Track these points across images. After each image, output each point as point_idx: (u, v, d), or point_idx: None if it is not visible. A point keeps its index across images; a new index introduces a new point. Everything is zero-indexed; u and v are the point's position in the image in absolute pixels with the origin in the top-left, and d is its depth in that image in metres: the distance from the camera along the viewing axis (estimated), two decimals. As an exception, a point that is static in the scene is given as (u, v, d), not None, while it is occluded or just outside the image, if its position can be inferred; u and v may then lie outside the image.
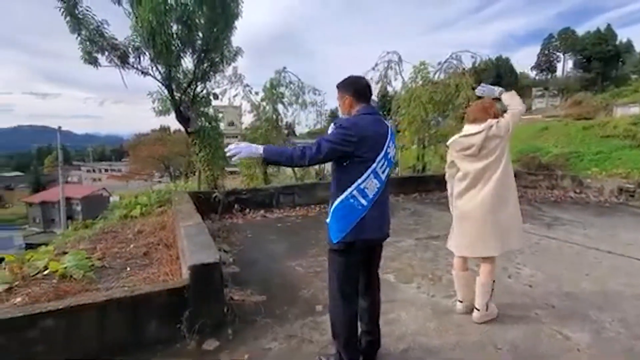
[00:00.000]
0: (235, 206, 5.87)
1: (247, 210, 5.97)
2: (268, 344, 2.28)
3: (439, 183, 8.17)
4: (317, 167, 8.95)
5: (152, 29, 5.33)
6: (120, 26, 6.24)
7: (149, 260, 4.04)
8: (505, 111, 2.65)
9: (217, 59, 6.87)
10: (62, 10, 5.62)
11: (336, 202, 1.85)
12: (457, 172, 2.63)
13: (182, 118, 6.82)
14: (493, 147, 2.46)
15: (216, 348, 2.24)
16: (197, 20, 5.81)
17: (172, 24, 5.70)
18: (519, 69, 74.64)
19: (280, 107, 8.64)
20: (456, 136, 2.60)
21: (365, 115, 1.92)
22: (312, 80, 10.79)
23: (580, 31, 66.57)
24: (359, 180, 1.83)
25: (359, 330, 2.04)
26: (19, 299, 3.02)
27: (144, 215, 6.17)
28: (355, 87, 1.97)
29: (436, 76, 9.38)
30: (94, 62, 6.11)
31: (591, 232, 4.71)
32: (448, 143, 2.66)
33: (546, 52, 70.33)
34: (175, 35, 5.79)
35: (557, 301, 2.78)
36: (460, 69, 9.07)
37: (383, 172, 1.89)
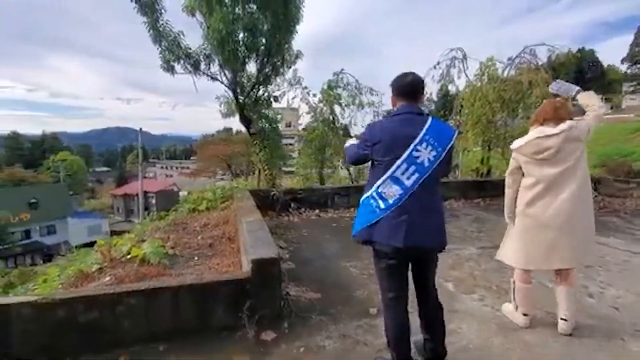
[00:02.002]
0: (292, 205, 6.05)
1: (303, 209, 6.12)
2: (322, 342, 2.32)
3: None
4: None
5: (221, 38, 5.73)
6: (191, 36, 6.82)
7: (214, 251, 4.35)
8: (584, 112, 2.39)
9: (278, 63, 7.17)
10: (147, 24, 6.30)
11: (362, 198, 1.92)
12: (522, 178, 2.43)
13: (245, 120, 7.23)
14: (571, 151, 2.24)
15: (273, 339, 2.33)
16: (261, 27, 6.11)
17: (239, 32, 6.09)
18: (606, 61, 66.05)
19: (337, 108, 8.71)
20: (526, 138, 2.37)
21: (396, 115, 1.86)
22: (373, 80, 10.67)
23: (687, 16, 56.57)
24: (377, 183, 1.82)
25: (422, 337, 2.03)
26: (107, 279, 3.47)
27: (209, 210, 6.64)
28: (397, 85, 1.91)
29: (505, 72, 8.71)
30: (171, 69, 6.75)
31: (699, 252, 3.99)
32: (514, 147, 2.45)
33: (641, 41, 61.18)
34: (241, 42, 6.17)
35: (652, 329, 2.41)
36: (533, 64, 8.30)
37: (408, 178, 1.76)
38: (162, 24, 6.39)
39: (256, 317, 2.40)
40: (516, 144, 2.45)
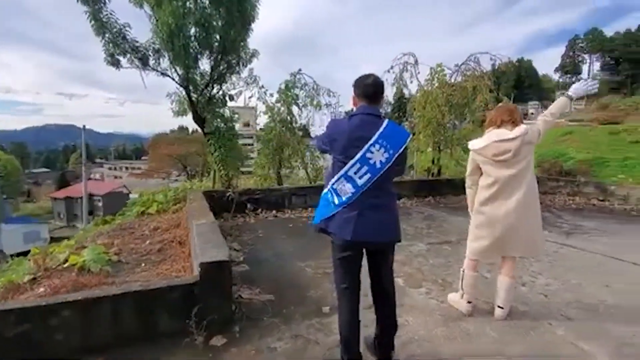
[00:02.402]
0: (248, 206, 5.94)
1: (260, 210, 6.03)
2: (274, 343, 2.29)
3: (454, 187, 8.06)
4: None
5: (171, 32, 5.47)
6: (141, 29, 6.44)
7: (163, 256, 4.14)
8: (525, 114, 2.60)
9: (233, 61, 7.00)
10: (88, 14, 5.85)
11: (323, 192, 2.01)
12: (480, 177, 2.58)
13: (198, 119, 6.97)
14: (525, 154, 2.42)
15: (223, 345, 2.27)
16: (214, 23, 5.93)
17: (190, 27, 5.85)
18: (541, 71, 72.45)
19: (294, 108, 8.69)
20: (486, 140, 2.49)
21: (355, 115, 1.92)
22: (331, 82, 10.75)
23: (609, 32, 64.25)
24: (333, 181, 1.91)
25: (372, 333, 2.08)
26: (41, 289, 3.16)
27: (160, 213, 6.31)
28: (360, 85, 1.96)
29: (453, 78, 9.25)
30: (116, 63, 6.33)
31: (614, 241, 4.51)
32: (474, 148, 2.56)
33: (571, 53, 68.12)
34: (193, 38, 5.94)
35: (574, 312, 2.67)
36: (477, 71, 8.90)
37: (360, 178, 1.83)
38: (106, 14, 5.97)
39: (205, 322, 2.32)
40: (476, 145, 2.54)
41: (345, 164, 1.84)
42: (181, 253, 4.10)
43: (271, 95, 8.63)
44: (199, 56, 6.25)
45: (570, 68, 67.04)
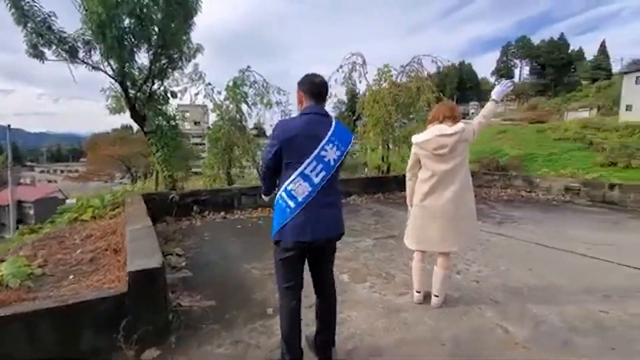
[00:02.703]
0: (194, 208, 5.68)
1: (207, 211, 5.80)
2: (213, 351, 2.20)
3: (401, 183, 8.37)
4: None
5: (101, 22, 5.05)
6: (70, 19, 5.88)
7: (96, 266, 3.80)
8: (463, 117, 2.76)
9: (175, 56, 6.66)
10: (7, 2, 5.23)
11: (274, 201, 1.93)
12: (419, 171, 2.69)
13: (137, 116, 6.53)
14: (461, 150, 2.56)
15: (156, 357, 2.13)
16: (152, 15, 5.57)
17: (124, 17, 5.44)
18: (480, 74, 78.12)
19: (244, 106, 8.48)
20: (428, 134, 2.58)
21: (305, 114, 1.91)
22: (284, 81, 10.66)
23: (536, 39, 71.18)
24: (287, 182, 1.85)
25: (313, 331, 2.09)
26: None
27: (95, 219, 5.81)
28: (308, 84, 1.95)
29: (399, 79, 9.63)
30: (40, 55, 5.73)
31: (537, 229, 4.99)
32: (417, 141, 2.64)
33: (504, 58, 74.44)
34: (127, 30, 5.53)
35: (501, 296, 2.90)
36: (421, 73, 9.36)
37: (317, 176, 1.85)
38: (28, 2, 5.37)
39: (136, 335, 2.16)
40: (419, 138, 2.63)
41: (300, 163, 1.83)
42: (116, 262, 3.79)
43: (219, 92, 8.36)
44: (135, 49, 5.83)
45: (504, 72, 73.28)
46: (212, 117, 8.83)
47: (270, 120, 9.06)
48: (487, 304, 2.77)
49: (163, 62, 6.39)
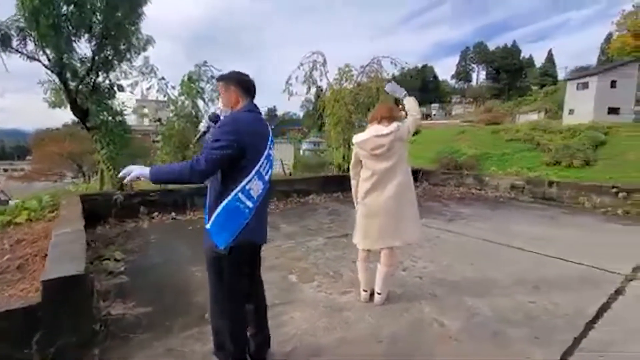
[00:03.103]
0: (141, 209, 5.38)
1: (156, 213, 5.51)
2: (141, 362, 2.07)
3: None
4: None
5: (34, 8, 4.61)
6: (3, 4, 5.33)
7: (22, 274, 3.47)
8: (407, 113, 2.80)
9: (122, 47, 6.25)
10: None
11: (222, 205, 1.71)
12: (361, 170, 2.72)
13: (79, 111, 6.06)
14: (398, 149, 2.59)
15: (76, 372, 1.96)
16: (93, 3, 5.19)
17: (61, 4, 5.01)
18: (442, 77, 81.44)
19: (200, 103, 8.19)
20: (366, 134, 2.63)
21: (248, 112, 1.86)
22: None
23: (492, 46, 75.39)
24: (244, 182, 1.73)
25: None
26: None
27: (31, 222, 5.33)
28: (245, 82, 1.90)
29: (359, 79, 9.75)
30: (-37, 42, 5.12)
31: (483, 225, 5.24)
32: (356, 141, 2.71)
33: (464, 63, 78.11)
34: (65, 17, 5.10)
35: (440, 291, 3.00)
36: (380, 73, 9.53)
37: (266, 174, 1.85)
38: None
39: (53, 349, 1.98)
40: (359, 138, 2.68)
41: (256, 161, 1.77)
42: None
43: (173, 87, 7.99)
44: (73, 38, 5.40)
45: (463, 75, 76.96)
46: (166, 114, 8.45)
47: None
48: (427, 299, 2.84)
49: (107, 53, 5.97)
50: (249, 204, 1.75)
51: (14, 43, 5.47)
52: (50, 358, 1.98)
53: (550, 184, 7.26)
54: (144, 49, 6.75)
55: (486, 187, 8.32)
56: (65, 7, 5.08)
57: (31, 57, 5.61)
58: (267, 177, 1.85)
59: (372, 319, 2.54)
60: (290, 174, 9.88)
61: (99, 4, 5.32)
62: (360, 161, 2.72)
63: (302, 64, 9.21)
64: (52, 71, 5.59)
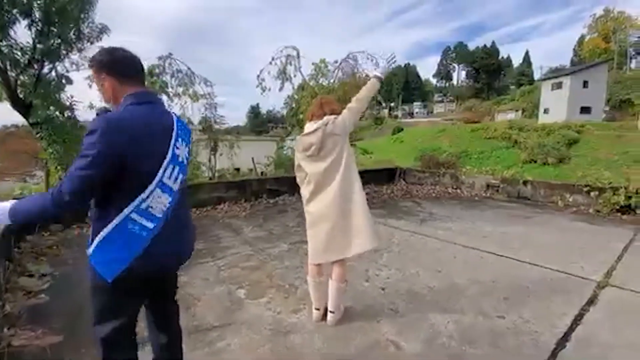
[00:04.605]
0: (90, 212, 4.88)
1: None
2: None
3: None
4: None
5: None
6: None
7: None
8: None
9: (71, 35, 5.71)
10: None
11: (107, 231, 1.29)
12: (305, 175, 2.41)
13: (20, 104, 5.50)
14: (332, 146, 2.27)
15: None
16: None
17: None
18: (424, 76, 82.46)
19: (164, 98, 7.69)
20: (300, 135, 2.38)
21: (134, 106, 1.35)
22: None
23: (472, 46, 76.71)
24: (139, 200, 1.31)
25: None
26: None
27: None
28: (114, 62, 1.39)
29: (335, 74, 9.44)
30: None
31: (456, 226, 5.03)
32: (293, 145, 2.41)
33: (444, 62, 79.21)
34: (-4, -1, 4.55)
35: (403, 305, 2.71)
36: (356, 69, 9.25)
37: (175, 182, 1.41)
38: None
39: None
40: (296, 140, 2.40)
41: (156, 169, 1.33)
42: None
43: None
44: (8, 24, 4.85)
45: (444, 74, 77.99)
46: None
47: (199, 113, 8.38)
48: (386, 316, 2.55)
49: (52, 42, 5.43)
50: (149, 225, 1.34)
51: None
52: None
53: (525, 183, 7.16)
54: (98, 39, 6.25)
55: (462, 185, 8.18)
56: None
57: (-37, 45, 5.03)
58: (175, 186, 1.42)
59: (321, 343, 2.22)
60: (262, 173, 9.47)
61: (36, -14, 4.80)
62: (300, 165, 2.41)
63: (273, 58, 8.82)
64: (-15, 60, 5.03)
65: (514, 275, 3.29)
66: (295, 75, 9.29)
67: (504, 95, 60.20)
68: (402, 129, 45.58)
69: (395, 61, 2.59)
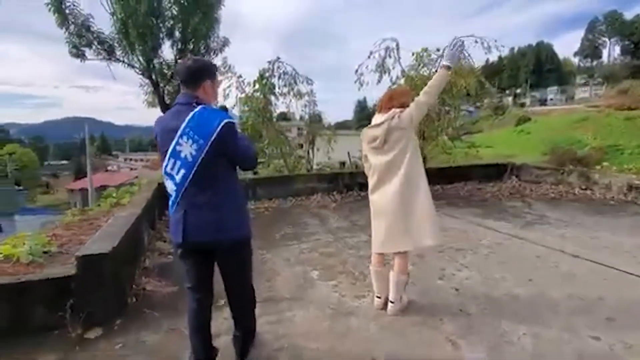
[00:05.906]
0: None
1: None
2: (146, 337, 2.28)
3: (444, 177, 7.84)
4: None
5: (122, 22, 5.45)
6: (104, 19, 6.43)
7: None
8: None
9: (202, 50, 6.94)
10: (50, 6, 5.87)
11: None
12: (370, 166, 2.52)
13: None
14: (396, 140, 2.31)
15: (97, 337, 2.27)
16: (166, 12, 5.88)
17: (146, 16, 5.81)
18: (562, 55, 69.29)
19: (272, 98, 8.59)
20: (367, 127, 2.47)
21: (174, 106, 1.79)
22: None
23: (629, 15, 60.54)
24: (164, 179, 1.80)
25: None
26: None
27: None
28: (177, 71, 1.85)
29: (437, 63, 8.90)
30: (81, 55, 6.37)
31: (570, 233, 4.27)
32: (361, 136, 2.52)
33: (590, 37, 64.65)
34: (149, 28, 5.90)
35: (474, 308, 2.54)
36: (462, 56, 8.52)
37: (177, 174, 1.68)
38: (69, 5, 6.00)
39: (82, 315, 2.32)
40: (362, 132, 2.50)
41: (164, 159, 1.74)
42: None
43: (248, 84, 8.57)
44: (156, 46, 6.22)
45: (589, 52, 63.80)
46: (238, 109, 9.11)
47: (301, 109, 9.10)
48: (453, 316, 2.44)
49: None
50: (170, 202, 1.78)
51: (118, 53, 6.58)
52: (82, 322, 2.33)
53: (689, 185, 5.51)
54: (221, 50, 7.39)
55: (594, 186, 6.77)
56: (147, 19, 5.87)
57: (131, 65, 6.68)
58: (178, 177, 1.68)
59: (376, 329, 2.30)
60: (356, 167, 9.67)
61: (176, 13, 6.01)
62: (366, 156, 2.49)
63: (371, 52, 8.84)
64: (143, 75, 6.58)
65: (635, 296, 2.68)
66: (394, 67, 9.14)
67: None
68: (529, 119, 39.50)
69: (462, 47, 2.42)
